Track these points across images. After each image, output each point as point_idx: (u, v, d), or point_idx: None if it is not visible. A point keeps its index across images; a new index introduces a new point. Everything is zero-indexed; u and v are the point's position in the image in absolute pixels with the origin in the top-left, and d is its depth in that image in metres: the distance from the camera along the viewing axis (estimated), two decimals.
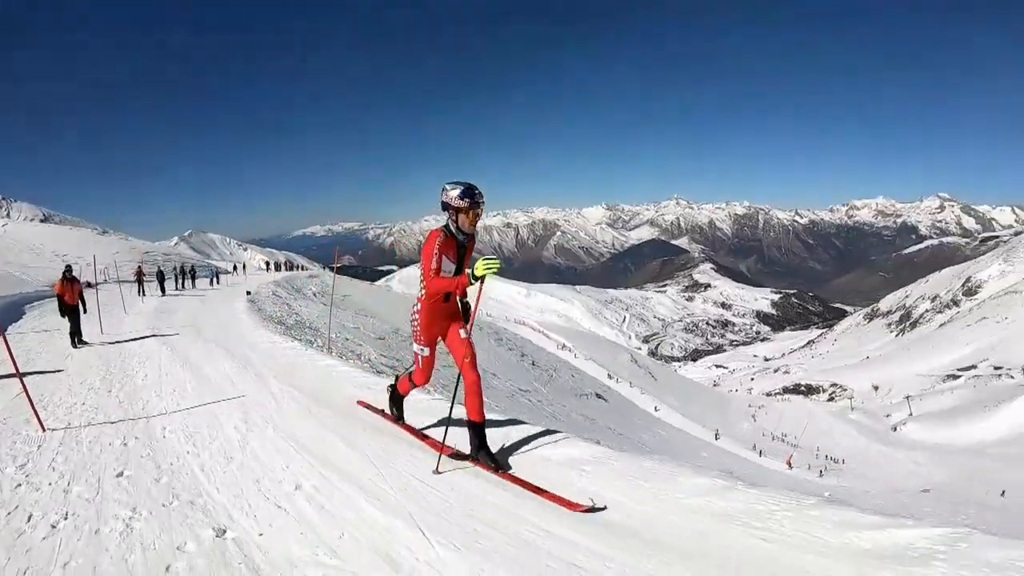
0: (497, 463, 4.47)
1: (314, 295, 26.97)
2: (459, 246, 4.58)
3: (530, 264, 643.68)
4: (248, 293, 22.59)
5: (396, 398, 5.68)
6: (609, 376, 65.50)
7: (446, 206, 4.49)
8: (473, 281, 4.11)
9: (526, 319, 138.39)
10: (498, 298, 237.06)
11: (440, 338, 4.84)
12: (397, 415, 5.69)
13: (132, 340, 12.21)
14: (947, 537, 2.91)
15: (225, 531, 3.66)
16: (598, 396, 35.58)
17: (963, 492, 34.80)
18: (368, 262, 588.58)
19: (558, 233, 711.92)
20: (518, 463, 4.54)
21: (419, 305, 4.68)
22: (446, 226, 4.54)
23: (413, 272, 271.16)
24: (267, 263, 72.87)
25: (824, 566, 2.91)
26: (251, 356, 9.93)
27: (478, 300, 4.63)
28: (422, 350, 4.83)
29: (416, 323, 4.75)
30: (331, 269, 27.93)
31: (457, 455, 4.73)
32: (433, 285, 4.38)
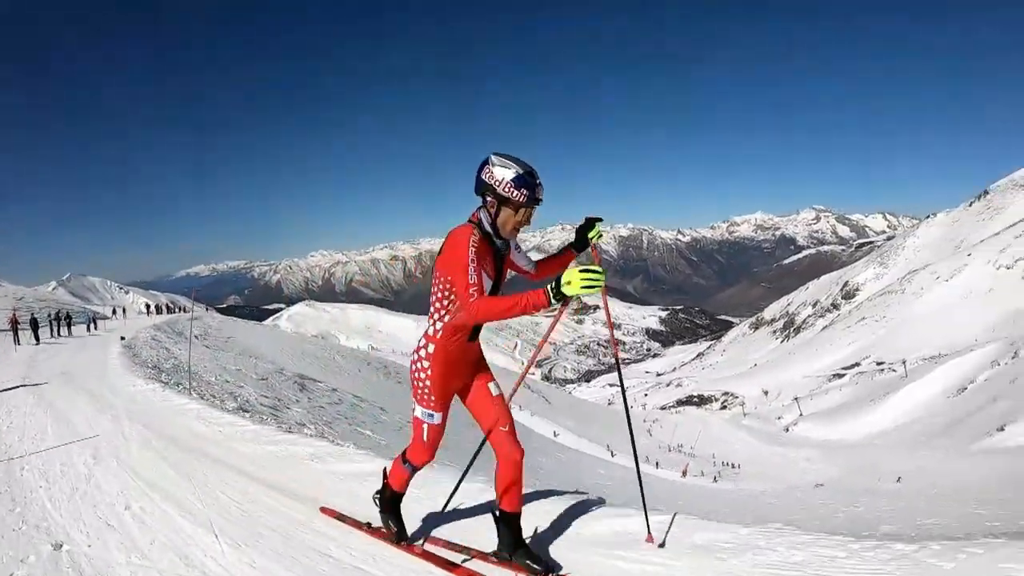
0: (544, 564, 3.48)
1: (196, 337, 26.11)
2: (496, 255, 3.38)
3: (420, 296, 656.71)
4: (123, 339, 22.48)
5: (391, 501, 4.03)
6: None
7: (486, 191, 3.28)
8: (557, 301, 2.92)
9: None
10: (387, 331, 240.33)
11: (458, 396, 3.63)
12: (396, 531, 4.02)
13: (2, 390, 12.37)
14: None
15: (62, 545, 4.27)
16: None
17: (856, 483, 35.16)
18: (255, 301, 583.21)
19: None
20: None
21: (429, 346, 3.45)
22: (478, 223, 3.33)
23: (302, 310, 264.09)
24: (148, 306, 69.76)
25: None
26: (113, 400, 10.47)
27: (546, 336, 3.79)
28: (429, 416, 3.55)
29: (422, 375, 3.49)
30: (193, 311, 26.87)
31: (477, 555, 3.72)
32: (475, 308, 3.08)
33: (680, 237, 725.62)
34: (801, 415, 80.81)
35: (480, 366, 3.65)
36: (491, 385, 3.59)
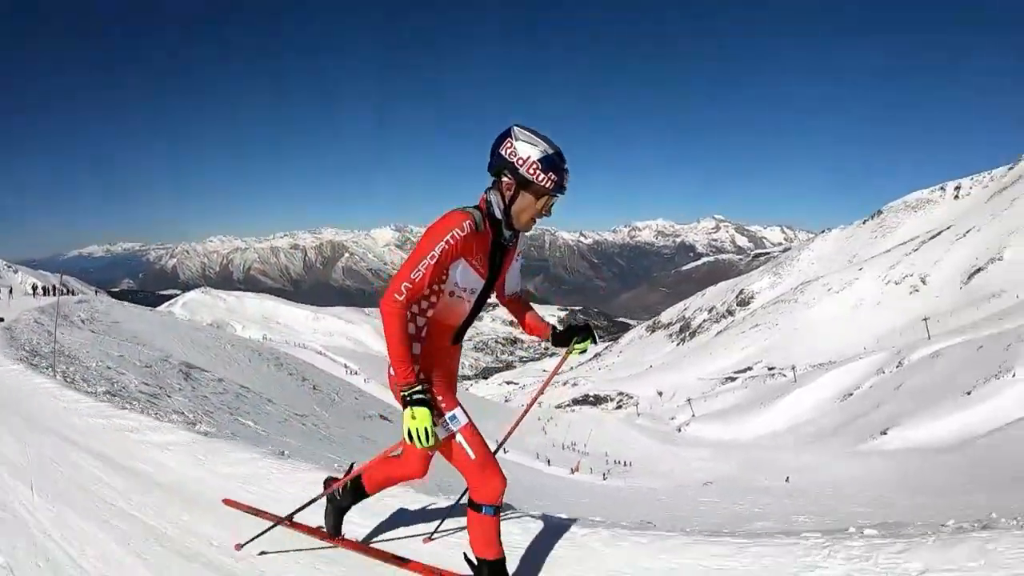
0: None
1: (82, 322, 25.57)
2: (496, 248, 3.00)
3: (318, 287, 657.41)
4: (1, 320, 21.41)
5: (343, 501, 3.71)
6: None
7: (503, 169, 2.81)
8: (402, 404, 2.80)
9: (313, 343, 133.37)
10: (284, 322, 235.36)
11: None
12: (332, 527, 3.77)
13: None
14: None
15: None
16: (382, 417, 35.67)
17: (745, 481, 36.13)
18: (149, 286, 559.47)
19: (346, 255, 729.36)
20: None
21: (413, 347, 2.99)
22: (487, 207, 2.92)
23: (198, 297, 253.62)
24: (35, 287, 64.72)
25: None
26: None
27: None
28: (452, 420, 2.96)
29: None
30: (59, 292, 25.83)
31: None
32: (387, 311, 2.77)
33: (582, 239, 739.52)
34: (694, 416, 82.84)
35: (453, 379, 3.23)
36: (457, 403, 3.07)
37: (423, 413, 2.70)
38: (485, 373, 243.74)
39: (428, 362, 3.01)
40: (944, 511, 16.99)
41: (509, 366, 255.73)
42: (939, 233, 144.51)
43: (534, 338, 3.78)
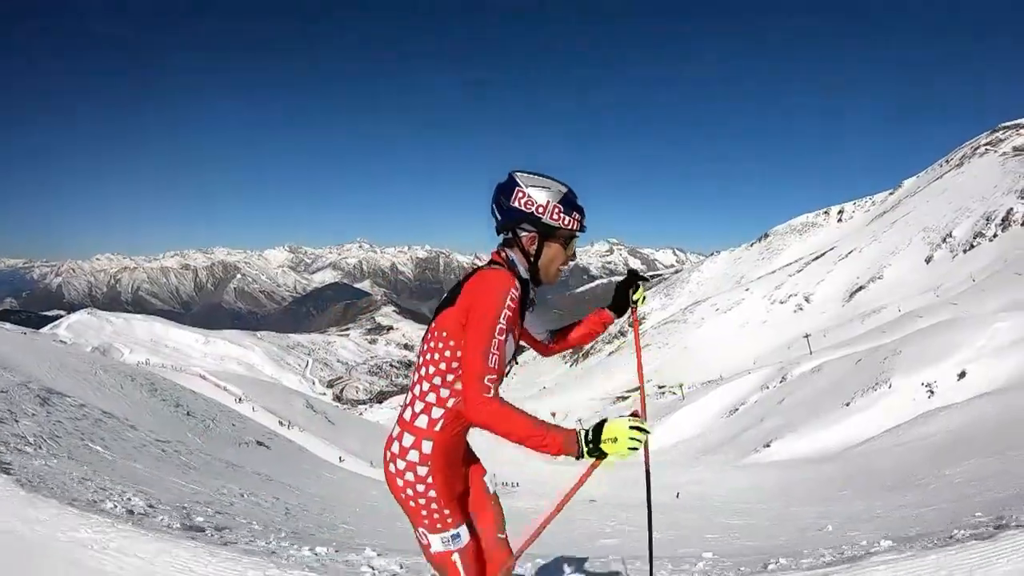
0: None
1: None
2: (523, 310, 2.67)
3: (209, 309, 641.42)
4: None
5: None
6: (281, 423, 62.49)
7: (522, 223, 2.58)
8: (590, 456, 2.31)
9: (202, 368, 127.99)
10: (174, 346, 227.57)
11: None
12: None
13: None
14: None
15: None
16: (259, 444, 35.74)
17: (629, 497, 36.21)
18: (33, 306, 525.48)
19: (238, 276, 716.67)
20: None
21: (424, 445, 2.55)
22: (511, 267, 2.62)
23: (84, 319, 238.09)
24: None
25: None
26: None
27: (570, 495, 2.88)
28: (455, 538, 2.59)
29: (423, 491, 2.55)
30: None
31: None
32: (485, 411, 2.32)
33: (477, 261, 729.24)
34: None
35: (470, 453, 2.88)
36: (486, 480, 2.88)
37: (620, 425, 2.26)
38: (380, 397, 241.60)
39: (445, 462, 2.57)
40: (806, 517, 17.40)
41: (403, 389, 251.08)
42: (823, 254, 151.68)
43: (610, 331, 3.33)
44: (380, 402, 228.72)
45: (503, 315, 2.33)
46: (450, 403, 2.52)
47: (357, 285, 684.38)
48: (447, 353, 2.48)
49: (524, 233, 2.56)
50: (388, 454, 2.63)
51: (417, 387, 2.60)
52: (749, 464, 42.69)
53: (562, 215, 2.51)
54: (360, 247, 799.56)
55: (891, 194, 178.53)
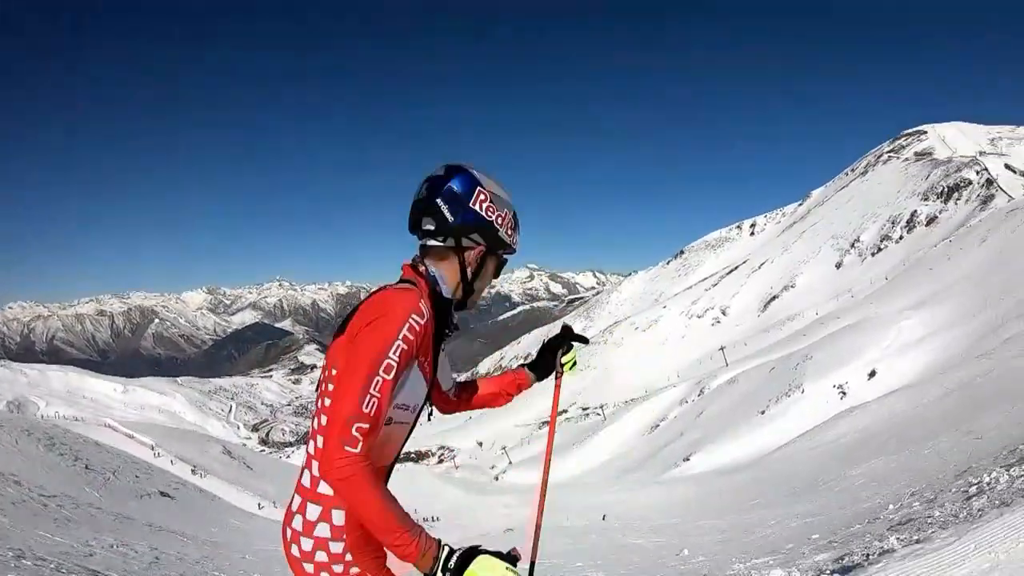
0: None
1: None
2: (438, 340, 2.20)
3: (128, 356, 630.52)
4: None
5: None
6: (193, 472, 60.48)
7: (472, 231, 2.14)
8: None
9: (122, 418, 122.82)
10: (92, 396, 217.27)
11: None
12: None
13: None
14: None
15: None
16: (163, 494, 33.66)
17: (546, 523, 35.72)
18: None
19: (156, 320, 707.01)
20: None
21: (334, 515, 2.01)
22: (430, 284, 2.17)
23: None
24: None
25: None
26: None
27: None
28: None
29: (341, 568, 2.01)
30: None
31: None
32: (346, 476, 1.76)
33: None
34: (511, 463, 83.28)
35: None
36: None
37: (494, 567, 1.77)
38: (306, 438, 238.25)
39: (357, 532, 1.96)
40: (712, 532, 17.00)
41: None
42: (736, 268, 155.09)
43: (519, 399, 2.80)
44: (307, 443, 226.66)
45: (395, 347, 1.81)
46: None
47: (278, 324, 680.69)
48: (327, 403, 1.94)
49: (468, 243, 2.10)
50: (288, 532, 2.01)
51: (311, 443, 2.04)
52: (668, 479, 42.63)
53: (513, 232, 2.19)
54: (280, 286, 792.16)
55: (800, 205, 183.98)
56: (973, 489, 8.90)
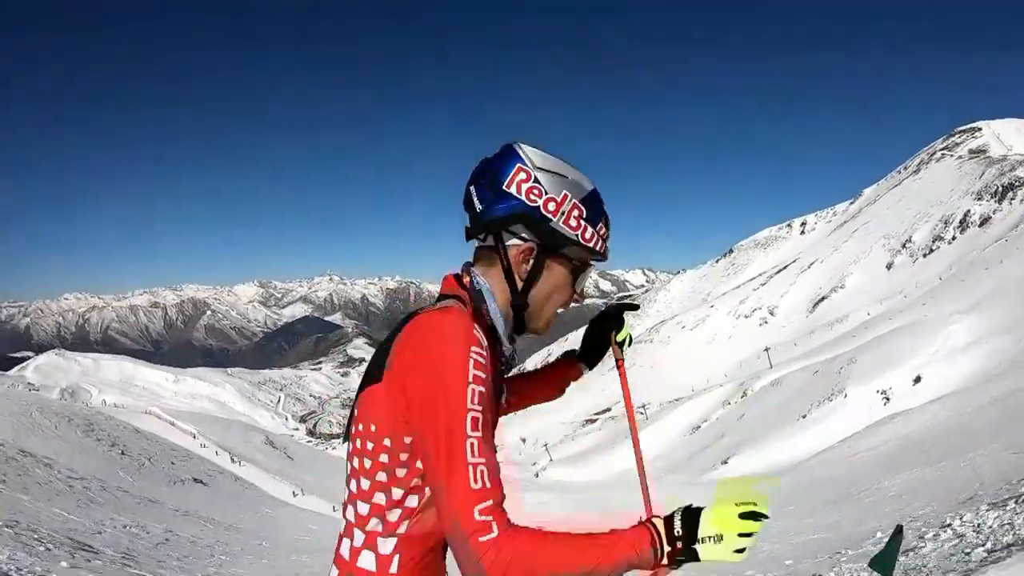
0: None
1: None
2: (499, 373, 1.76)
3: (180, 347, 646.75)
4: None
5: None
6: (233, 460, 61.59)
7: (515, 220, 1.58)
8: (678, 564, 1.47)
9: (174, 407, 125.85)
10: (144, 385, 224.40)
11: None
12: None
13: None
14: None
15: None
16: (197, 481, 36.20)
17: (574, 520, 35.61)
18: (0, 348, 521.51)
19: (208, 312, 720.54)
20: None
21: None
22: (476, 302, 1.65)
23: (52, 360, 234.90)
24: None
25: None
26: None
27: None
28: None
29: None
30: None
31: None
32: (503, 560, 1.34)
33: None
34: (551, 460, 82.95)
35: None
36: None
37: (724, 515, 1.43)
38: (344, 505, 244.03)
39: None
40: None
41: None
42: (785, 267, 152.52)
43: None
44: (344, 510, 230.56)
45: (471, 395, 1.38)
46: (403, 528, 1.53)
47: (328, 318, 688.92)
48: (383, 458, 1.50)
49: (515, 241, 1.57)
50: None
51: (351, 508, 1.58)
52: (706, 482, 41.87)
53: (583, 221, 1.56)
54: (330, 280, 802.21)
55: (851, 204, 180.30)
56: (990, 518, 8.47)
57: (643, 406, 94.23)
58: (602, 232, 1.62)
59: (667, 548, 1.42)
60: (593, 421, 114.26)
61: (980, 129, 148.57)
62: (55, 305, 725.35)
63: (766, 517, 1.44)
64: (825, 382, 48.64)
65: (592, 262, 1.69)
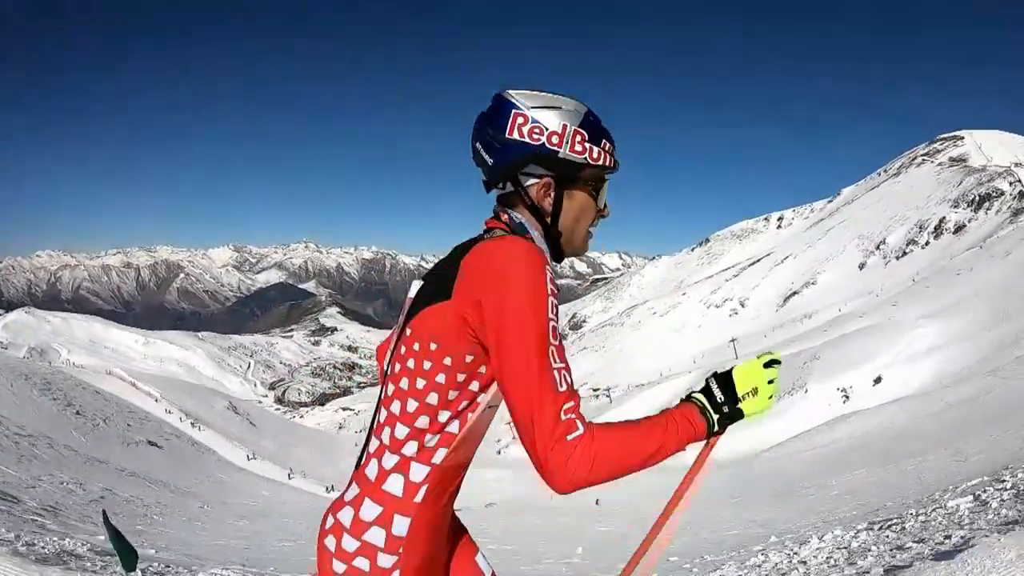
0: None
1: None
2: None
3: (152, 309, 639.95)
4: None
5: None
6: (193, 424, 61.36)
7: (526, 162, 1.59)
8: (723, 425, 1.56)
9: (127, 369, 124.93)
10: (114, 347, 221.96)
11: None
12: None
13: None
14: None
15: None
16: (151, 443, 37.16)
17: (530, 500, 35.88)
18: None
19: (182, 275, 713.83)
20: None
21: (397, 522, 1.51)
22: (519, 229, 1.65)
23: (21, 318, 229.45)
24: None
25: None
26: None
27: (687, 485, 1.70)
28: None
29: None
30: None
31: None
32: (587, 458, 1.34)
33: (423, 263, 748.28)
34: (514, 438, 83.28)
35: (456, 525, 1.79)
36: (479, 560, 1.80)
37: (748, 370, 1.56)
38: (322, 399, 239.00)
39: (418, 550, 1.54)
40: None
41: (346, 392, 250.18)
42: (759, 260, 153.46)
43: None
44: (323, 404, 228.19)
45: (550, 306, 1.40)
46: (438, 457, 1.52)
47: (302, 286, 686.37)
48: (440, 378, 1.47)
49: (532, 180, 1.59)
50: (330, 520, 1.57)
51: (387, 431, 1.53)
52: (665, 468, 42.26)
53: (588, 144, 1.57)
54: (306, 247, 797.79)
55: (830, 202, 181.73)
56: (931, 520, 8.26)
57: (608, 389, 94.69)
58: (607, 148, 1.62)
59: (715, 416, 1.51)
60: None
61: (962, 138, 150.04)
62: (27, 263, 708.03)
63: (779, 362, 1.55)
64: (787, 376, 48.87)
65: (606, 177, 1.68)
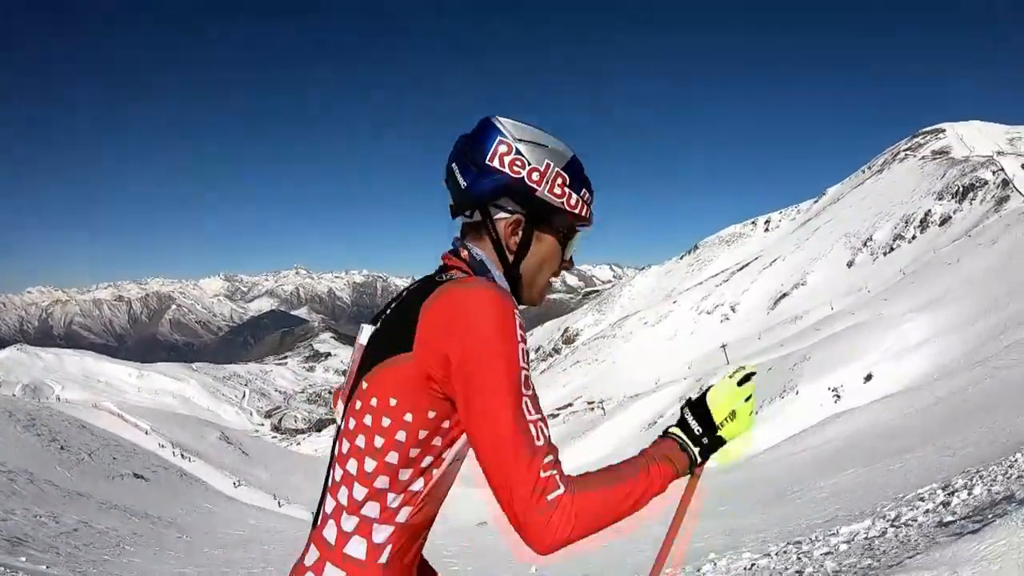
0: None
1: None
2: None
3: (145, 341, 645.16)
4: None
5: None
6: (183, 456, 60.76)
7: (503, 191, 1.52)
8: (704, 458, 1.61)
9: (120, 403, 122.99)
10: (107, 381, 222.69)
11: None
12: None
13: None
14: None
15: None
16: (137, 476, 36.53)
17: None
18: None
19: (174, 307, 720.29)
20: None
21: None
22: (478, 267, 1.58)
23: (13, 355, 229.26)
24: None
25: None
26: None
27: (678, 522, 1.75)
28: None
29: None
30: None
31: None
32: (570, 517, 1.30)
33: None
34: None
35: (425, 569, 1.67)
36: None
37: (722, 390, 1.62)
38: (319, 425, 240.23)
39: None
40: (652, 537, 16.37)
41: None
42: (748, 264, 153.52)
43: None
44: (319, 430, 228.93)
45: (521, 352, 1.35)
46: (402, 516, 1.42)
47: (294, 312, 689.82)
48: (400, 435, 1.38)
49: (503, 215, 1.53)
50: None
51: (344, 491, 1.43)
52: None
53: (567, 189, 1.53)
54: (297, 273, 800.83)
55: (815, 202, 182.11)
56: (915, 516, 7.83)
57: (601, 402, 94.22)
58: (586, 197, 1.59)
59: (696, 449, 1.52)
60: (555, 416, 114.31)
61: (944, 131, 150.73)
62: (18, 299, 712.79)
63: (754, 373, 1.58)
64: (778, 379, 48.48)
65: (579, 228, 1.63)
